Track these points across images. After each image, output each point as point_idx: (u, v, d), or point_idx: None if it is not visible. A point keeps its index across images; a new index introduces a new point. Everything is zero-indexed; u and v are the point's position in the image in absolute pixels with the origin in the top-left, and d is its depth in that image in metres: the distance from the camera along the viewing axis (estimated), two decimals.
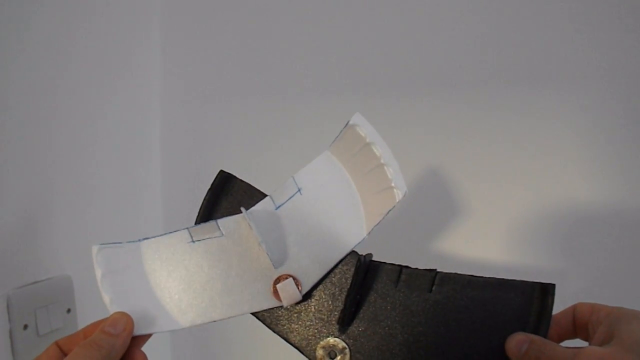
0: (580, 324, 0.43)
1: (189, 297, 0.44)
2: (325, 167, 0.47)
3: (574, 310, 0.43)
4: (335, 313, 0.46)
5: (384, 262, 0.47)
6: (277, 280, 0.45)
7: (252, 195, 0.49)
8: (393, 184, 0.43)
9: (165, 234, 0.46)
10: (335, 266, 0.46)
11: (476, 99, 0.70)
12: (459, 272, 0.45)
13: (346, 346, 0.45)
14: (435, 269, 0.45)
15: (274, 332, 0.47)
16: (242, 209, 0.46)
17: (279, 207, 0.46)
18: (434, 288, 0.44)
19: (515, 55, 0.69)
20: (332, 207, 0.46)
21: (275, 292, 0.45)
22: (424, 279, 0.45)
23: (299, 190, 0.46)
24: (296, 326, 0.46)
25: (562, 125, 0.67)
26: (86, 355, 0.36)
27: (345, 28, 0.76)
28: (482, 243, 0.70)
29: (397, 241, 0.70)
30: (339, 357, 0.44)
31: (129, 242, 0.45)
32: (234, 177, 0.51)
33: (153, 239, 0.46)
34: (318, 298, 0.47)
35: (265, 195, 0.49)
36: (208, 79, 0.84)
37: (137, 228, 0.82)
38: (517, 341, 0.40)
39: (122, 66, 0.78)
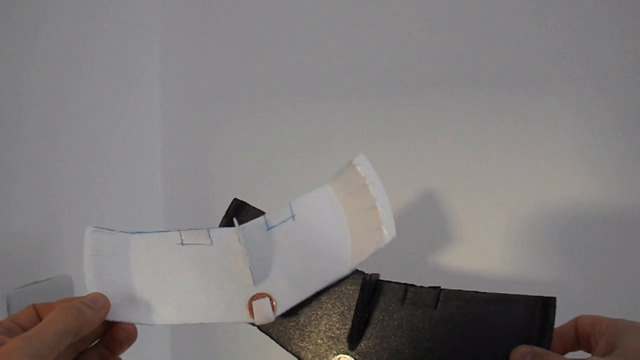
0: (582, 336, 0.44)
1: (167, 296, 0.45)
2: (322, 200, 0.48)
3: (576, 323, 0.45)
4: (345, 331, 0.47)
5: (390, 281, 0.48)
6: (254, 297, 0.46)
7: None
8: (383, 226, 0.45)
9: (158, 232, 0.47)
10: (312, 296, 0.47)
11: (471, 102, 0.71)
12: (462, 289, 0.46)
13: None
14: (440, 286, 0.47)
15: (287, 350, 0.48)
16: (235, 222, 0.47)
17: (271, 228, 0.48)
18: (438, 305, 0.46)
19: (511, 58, 0.69)
20: (321, 238, 0.47)
21: (250, 309, 0.46)
22: (428, 296, 0.47)
23: (293, 216, 0.48)
24: (308, 344, 0.48)
25: (558, 129, 0.68)
26: (66, 319, 0.37)
27: (346, 30, 0.77)
28: (481, 248, 0.71)
29: (395, 247, 0.71)
30: None
31: (122, 232, 0.46)
32: (247, 204, 0.53)
33: (145, 234, 0.47)
34: (328, 317, 0.48)
35: None
36: (208, 80, 0.84)
37: (138, 228, 0.83)
38: (520, 353, 0.42)
39: (122, 68, 0.78)
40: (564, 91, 0.67)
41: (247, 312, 0.45)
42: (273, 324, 0.49)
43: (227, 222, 0.53)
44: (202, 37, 0.85)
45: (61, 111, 0.67)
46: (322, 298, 0.49)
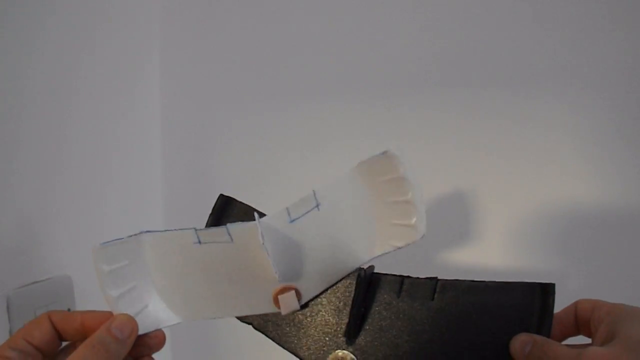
0: (582, 321, 0.43)
1: (190, 294, 0.44)
2: (347, 186, 0.46)
3: (575, 308, 0.44)
4: (342, 326, 0.47)
5: (386, 274, 0.48)
6: (280, 291, 0.45)
7: (253, 217, 0.50)
8: (415, 224, 0.44)
9: (168, 230, 0.45)
10: (337, 282, 0.47)
11: (471, 102, 0.71)
12: (459, 279, 0.46)
13: (354, 357, 0.45)
14: (436, 277, 0.46)
15: (283, 347, 0.48)
16: (256, 215, 0.45)
17: (294, 220, 0.45)
18: (435, 296, 0.45)
19: (510, 59, 0.69)
20: (347, 227, 0.46)
21: (276, 301, 0.45)
22: (425, 287, 0.46)
23: (318, 205, 0.45)
24: (304, 341, 0.47)
25: (558, 128, 0.67)
26: (88, 357, 0.36)
27: (346, 30, 0.76)
28: (481, 246, 0.71)
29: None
30: None
31: (130, 236, 0.44)
32: (234, 199, 0.52)
33: (157, 234, 0.45)
34: (324, 312, 0.47)
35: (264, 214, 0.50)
36: (208, 81, 0.84)
37: (138, 229, 0.83)
38: (520, 342, 0.41)
39: (122, 69, 0.79)
40: (563, 91, 0.67)
41: (273, 305, 0.45)
42: (268, 322, 0.49)
43: (213, 219, 0.52)
44: (202, 37, 0.85)
45: (61, 111, 0.67)
46: (318, 298, 0.48)
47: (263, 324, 0.49)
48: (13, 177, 0.60)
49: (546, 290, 0.43)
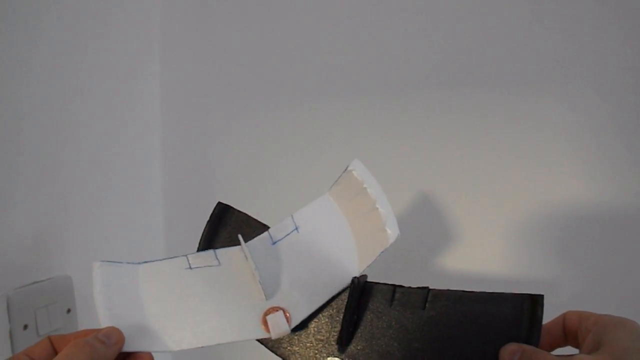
0: (570, 332, 0.44)
1: (181, 321, 0.45)
2: (323, 209, 0.49)
3: (563, 319, 0.45)
4: (334, 333, 0.47)
5: (378, 283, 0.48)
6: (268, 312, 0.46)
7: (250, 225, 0.51)
8: (386, 226, 0.45)
9: (164, 258, 0.47)
10: (326, 303, 0.48)
11: (469, 103, 0.71)
12: (450, 288, 0.46)
13: None
14: (428, 287, 0.47)
15: (276, 354, 0.48)
16: (241, 239, 0.47)
17: (276, 242, 0.48)
18: (427, 305, 0.46)
19: (508, 60, 0.69)
20: (327, 246, 0.48)
21: (265, 323, 0.46)
22: (417, 296, 0.47)
23: (296, 228, 0.48)
24: (297, 348, 0.48)
25: (555, 130, 0.67)
26: (79, 355, 0.37)
27: (346, 31, 0.77)
28: (478, 247, 0.71)
29: (394, 248, 0.71)
30: None
31: (129, 263, 0.46)
32: (232, 208, 0.53)
33: (152, 263, 0.47)
34: (317, 320, 0.48)
35: (263, 225, 0.51)
36: (208, 81, 0.84)
37: (138, 228, 0.83)
38: (509, 352, 0.42)
39: (122, 69, 0.79)
40: (562, 92, 0.67)
41: (262, 327, 0.46)
42: None
43: (210, 227, 0.53)
44: (202, 37, 0.85)
45: (61, 113, 0.67)
46: None
47: None
48: (13, 178, 0.61)
49: (535, 301, 0.43)
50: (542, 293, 0.44)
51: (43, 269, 0.64)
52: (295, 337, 0.48)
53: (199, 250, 0.52)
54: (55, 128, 0.67)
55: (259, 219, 0.72)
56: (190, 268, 0.47)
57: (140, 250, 0.81)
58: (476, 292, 0.45)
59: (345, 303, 0.48)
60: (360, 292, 0.48)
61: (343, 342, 0.47)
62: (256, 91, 0.82)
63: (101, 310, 0.43)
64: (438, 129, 0.73)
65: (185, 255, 0.47)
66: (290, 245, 0.47)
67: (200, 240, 0.53)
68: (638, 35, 0.64)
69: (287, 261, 0.47)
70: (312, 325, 0.48)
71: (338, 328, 0.47)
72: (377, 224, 0.46)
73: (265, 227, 0.52)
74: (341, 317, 0.47)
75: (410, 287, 0.47)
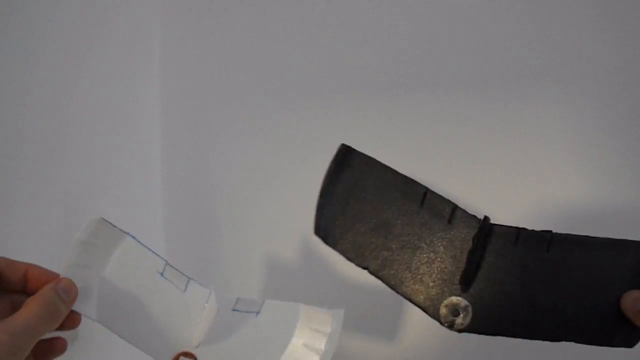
0: None
1: (120, 308, 0.45)
2: (287, 311, 0.49)
3: None
4: (457, 274, 0.48)
5: (501, 225, 0.48)
6: (183, 354, 0.46)
7: (374, 167, 0.50)
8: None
9: (149, 249, 0.47)
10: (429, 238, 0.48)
11: (468, 103, 0.71)
12: (573, 233, 0.48)
13: (468, 304, 0.47)
14: (551, 230, 0.48)
15: (398, 293, 0.49)
16: (212, 290, 0.48)
17: (235, 310, 0.49)
18: (550, 248, 0.47)
19: (506, 60, 0.68)
20: (268, 343, 0.48)
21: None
22: (541, 239, 0.48)
23: (258, 312, 0.49)
24: (420, 287, 0.48)
25: (553, 130, 0.68)
26: (41, 316, 0.37)
27: (347, 30, 0.75)
28: None
29: None
30: (461, 315, 0.47)
31: (121, 230, 0.46)
32: (356, 150, 0.51)
33: (135, 243, 0.47)
34: (440, 260, 0.48)
35: (387, 168, 0.50)
36: (208, 80, 0.82)
37: (137, 228, 0.81)
38: (633, 299, 0.45)
39: (122, 68, 0.78)
40: (559, 93, 0.67)
41: None
42: (385, 268, 0.49)
43: (335, 168, 0.51)
44: (203, 36, 0.82)
45: (61, 112, 0.67)
46: (435, 242, 0.49)
47: (379, 269, 0.49)
48: (12, 177, 0.60)
49: None
50: None
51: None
52: (419, 277, 0.48)
53: (322, 188, 0.51)
54: (55, 126, 0.66)
55: (259, 219, 0.77)
56: (162, 275, 0.47)
57: None
58: (599, 238, 0.47)
59: (469, 243, 0.48)
60: (485, 233, 0.47)
61: (467, 282, 0.47)
62: (256, 91, 0.80)
63: (72, 258, 0.43)
64: (435, 130, 0.72)
65: (165, 261, 0.48)
66: (243, 321, 0.48)
67: (323, 183, 0.51)
68: (636, 35, 0.64)
69: (230, 330, 0.48)
70: (436, 265, 0.48)
71: (461, 268, 0.48)
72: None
73: (389, 169, 0.50)
74: (465, 257, 0.48)
75: (534, 230, 0.48)
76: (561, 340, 0.47)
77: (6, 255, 0.54)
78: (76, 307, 0.41)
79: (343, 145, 0.52)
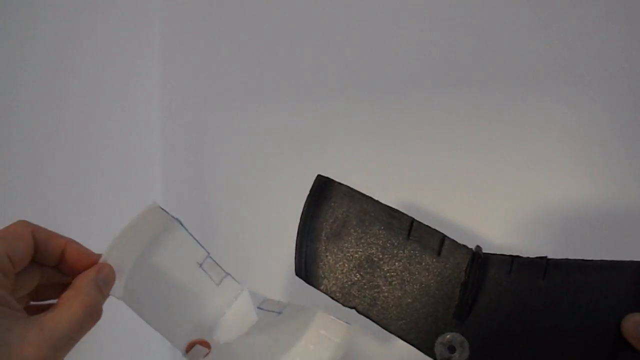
0: None
1: (147, 291, 0.44)
2: (305, 318, 0.47)
3: None
4: (450, 308, 0.45)
5: (494, 254, 0.46)
6: (198, 342, 0.45)
7: (353, 198, 0.46)
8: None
9: (194, 238, 0.45)
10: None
11: (468, 102, 0.70)
12: (568, 257, 0.45)
13: (464, 339, 0.45)
14: (546, 257, 0.46)
15: (389, 332, 0.46)
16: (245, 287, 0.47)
17: (260, 308, 0.48)
18: (546, 275, 0.45)
19: (506, 59, 0.68)
20: (279, 341, 0.47)
21: (189, 347, 0.45)
22: (536, 266, 0.45)
23: (280, 312, 0.47)
24: (412, 324, 0.45)
25: (554, 129, 0.67)
26: (84, 320, 0.34)
27: (347, 30, 0.75)
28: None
29: None
30: (458, 351, 0.45)
31: (172, 216, 0.44)
32: (333, 180, 0.47)
33: (183, 231, 0.45)
34: (432, 294, 0.45)
35: (367, 197, 0.47)
36: (208, 80, 0.82)
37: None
38: (633, 323, 0.43)
39: (122, 68, 0.79)
40: (559, 91, 0.66)
41: (185, 347, 0.45)
42: (373, 307, 0.46)
43: (311, 201, 0.48)
44: (203, 35, 0.82)
45: (61, 111, 0.67)
46: (425, 275, 0.46)
47: (367, 308, 0.46)
48: (14, 178, 0.60)
49: None
50: None
51: None
52: (410, 313, 0.45)
53: (300, 226, 0.48)
54: (55, 126, 0.66)
55: (259, 220, 0.77)
56: (200, 266, 0.46)
57: None
58: (596, 261, 0.45)
59: (462, 276, 0.45)
60: (478, 264, 0.45)
61: (461, 316, 0.45)
62: (256, 91, 0.80)
63: (115, 242, 0.40)
64: (436, 130, 0.71)
65: (208, 253, 0.46)
66: (267, 319, 0.47)
67: (301, 220, 0.47)
68: (638, 34, 0.64)
69: (251, 326, 0.47)
70: (427, 300, 0.45)
71: (455, 302, 0.45)
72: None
73: (370, 199, 0.47)
74: (457, 290, 0.45)
75: (528, 257, 0.46)
76: None
77: None
78: (114, 291, 0.40)
79: (319, 176, 0.48)
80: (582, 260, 0.45)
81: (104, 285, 0.36)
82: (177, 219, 0.44)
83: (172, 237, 0.44)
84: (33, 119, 0.63)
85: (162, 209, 0.43)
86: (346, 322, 0.45)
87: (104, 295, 0.36)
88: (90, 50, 0.71)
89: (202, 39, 0.82)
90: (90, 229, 0.71)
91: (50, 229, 0.57)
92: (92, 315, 0.34)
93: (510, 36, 0.68)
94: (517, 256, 0.45)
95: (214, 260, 0.46)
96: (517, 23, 0.68)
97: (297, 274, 0.48)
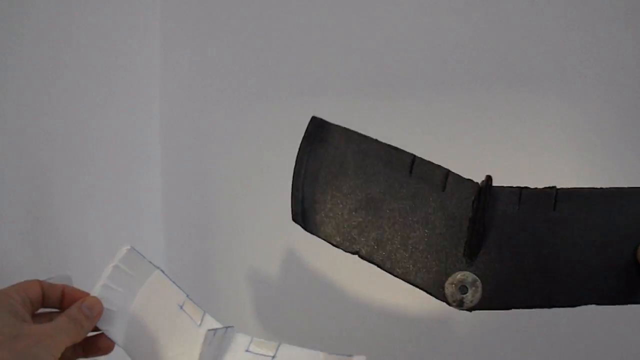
0: None
1: (140, 337, 0.45)
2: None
3: None
4: (460, 246, 0.42)
5: (502, 186, 0.43)
6: None
7: (351, 139, 0.44)
8: None
9: (174, 283, 0.47)
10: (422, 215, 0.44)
11: (468, 100, 0.70)
12: (578, 187, 0.43)
13: (477, 278, 0.42)
14: (555, 186, 0.43)
15: (395, 275, 0.43)
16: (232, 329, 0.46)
17: (248, 351, 0.47)
18: (556, 206, 0.43)
19: (508, 57, 0.68)
20: None
21: None
22: (546, 197, 0.43)
23: (274, 357, 0.46)
24: (420, 266, 0.42)
25: (555, 126, 0.68)
26: (68, 329, 0.40)
27: (347, 29, 0.75)
28: None
29: None
30: (470, 291, 0.42)
31: (150, 262, 0.46)
32: (328, 122, 0.45)
33: (163, 277, 0.47)
34: (439, 233, 0.43)
35: (365, 137, 0.46)
36: (208, 79, 0.82)
37: (137, 228, 0.84)
38: None
39: (122, 67, 0.78)
40: (563, 88, 0.67)
41: None
42: (377, 249, 0.43)
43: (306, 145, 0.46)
44: (203, 35, 0.82)
45: (59, 110, 0.67)
46: (430, 213, 0.43)
47: (371, 252, 0.43)
48: (14, 177, 0.60)
49: None
50: None
51: (43, 268, 0.63)
52: (417, 254, 0.42)
53: (295, 171, 0.45)
54: (55, 125, 0.66)
55: (259, 220, 0.78)
56: (181, 309, 0.47)
57: (139, 249, 0.78)
58: (607, 189, 0.43)
59: (469, 211, 0.42)
60: (485, 197, 0.42)
61: (472, 253, 0.42)
62: (256, 91, 0.80)
63: (104, 280, 0.44)
64: (438, 127, 0.72)
65: (187, 295, 0.47)
66: None
67: (296, 162, 0.46)
68: (639, 32, 0.65)
69: None
70: (434, 239, 0.42)
71: (464, 238, 0.42)
72: None
73: (368, 138, 0.45)
74: (466, 226, 0.42)
75: (536, 188, 0.43)
76: (580, 305, 0.42)
77: (4, 254, 0.59)
78: (105, 327, 0.43)
79: (314, 118, 0.46)
80: (592, 188, 0.43)
81: (87, 310, 0.42)
82: (157, 267, 0.46)
83: (156, 285, 0.46)
84: (33, 119, 0.62)
85: (139, 253, 0.45)
86: (351, 356, 0.43)
87: (89, 318, 0.42)
88: (90, 50, 0.71)
89: (202, 39, 0.83)
90: (91, 228, 0.72)
91: (50, 228, 0.66)
92: (75, 328, 0.41)
93: (511, 36, 0.69)
94: (525, 187, 0.43)
95: (191, 300, 0.47)
96: (523, 22, 0.68)
97: (293, 220, 0.44)
